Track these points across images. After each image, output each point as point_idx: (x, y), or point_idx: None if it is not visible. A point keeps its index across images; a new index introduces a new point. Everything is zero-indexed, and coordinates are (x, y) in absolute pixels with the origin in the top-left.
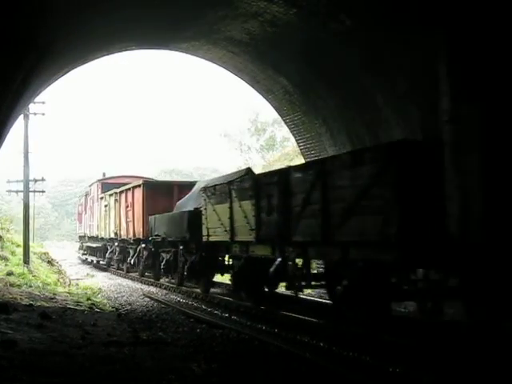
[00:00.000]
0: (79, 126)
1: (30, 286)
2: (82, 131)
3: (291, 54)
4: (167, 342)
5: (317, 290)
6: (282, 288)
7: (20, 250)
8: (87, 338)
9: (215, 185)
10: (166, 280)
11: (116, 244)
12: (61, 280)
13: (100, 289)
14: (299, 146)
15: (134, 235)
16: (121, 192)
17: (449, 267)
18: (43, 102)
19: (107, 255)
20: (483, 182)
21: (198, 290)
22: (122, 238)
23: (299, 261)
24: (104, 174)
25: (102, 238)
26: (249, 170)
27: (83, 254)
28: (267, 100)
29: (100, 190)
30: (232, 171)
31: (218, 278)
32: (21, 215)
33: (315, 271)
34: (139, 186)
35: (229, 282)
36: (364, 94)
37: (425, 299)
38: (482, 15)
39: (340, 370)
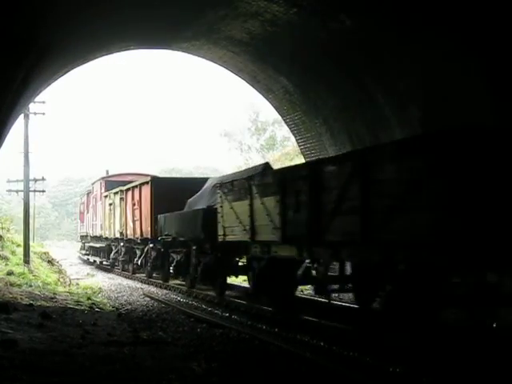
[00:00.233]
0: (79, 125)
1: (31, 286)
2: (83, 131)
3: (292, 54)
4: (167, 342)
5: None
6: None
7: (20, 250)
8: (87, 338)
9: (233, 180)
10: (176, 282)
11: (122, 244)
12: (61, 280)
13: (100, 288)
14: (299, 146)
15: (142, 235)
16: (127, 190)
17: None
18: (43, 102)
19: (112, 256)
20: None
21: (211, 293)
22: (129, 237)
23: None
24: (107, 172)
25: (106, 238)
26: (267, 166)
27: (85, 255)
28: (267, 99)
29: (104, 188)
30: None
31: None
32: (21, 215)
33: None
34: (147, 182)
35: (244, 285)
36: (364, 93)
37: (478, 305)
38: None
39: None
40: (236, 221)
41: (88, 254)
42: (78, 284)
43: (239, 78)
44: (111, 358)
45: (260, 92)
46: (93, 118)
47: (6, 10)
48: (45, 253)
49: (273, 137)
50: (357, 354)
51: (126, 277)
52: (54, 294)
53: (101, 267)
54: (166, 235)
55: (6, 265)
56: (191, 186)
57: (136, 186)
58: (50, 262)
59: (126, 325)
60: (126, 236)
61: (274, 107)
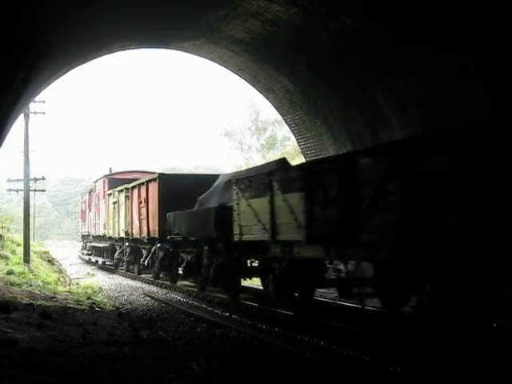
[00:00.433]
0: (80, 125)
1: (31, 285)
2: (83, 130)
3: (292, 54)
4: (168, 341)
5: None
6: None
7: (20, 249)
8: (87, 337)
9: (251, 176)
10: (184, 283)
11: (127, 244)
12: (61, 279)
13: (100, 288)
14: (300, 146)
15: (149, 234)
16: (133, 187)
17: None
18: (43, 101)
19: (116, 256)
20: None
21: (222, 296)
22: (134, 237)
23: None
24: (110, 170)
25: (109, 238)
26: (284, 161)
27: (87, 255)
28: (268, 99)
29: (107, 186)
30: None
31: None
32: (21, 214)
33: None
34: (154, 179)
35: (256, 286)
36: (364, 93)
37: None
38: None
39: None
40: (254, 219)
41: (90, 254)
42: (78, 283)
43: (239, 78)
44: (111, 357)
45: (260, 91)
46: (93, 118)
47: (5, 9)
48: (45, 252)
49: (273, 136)
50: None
51: (129, 277)
52: (54, 293)
53: (103, 267)
54: (175, 234)
55: (6, 264)
56: (201, 182)
57: (142, 184)
58: (50, 261)
59: (126, 324)
60: (132, 235)
61: (275, 107)
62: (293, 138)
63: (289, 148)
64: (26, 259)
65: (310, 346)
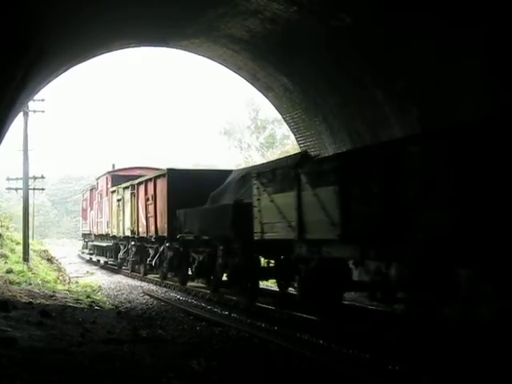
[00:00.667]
0: (79, 123)
1: (30, 284)
2: (82, 129)
3: (291, 52)
4: (167, 340)
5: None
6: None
7: (19, 248)
8: (87, 336)
9: (274, 169)
10: (193, 284)
11: (132, 243)
12: (60, 278)
13: (100, 287)
14: (299, 144)
15: (156, 232)
16: (139, 184)
17: None
18: (43, 100)
19: (120, 255)
20: None
21: (232, 297)
22: (141, 235)
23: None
24: (113, 166)
25: (113, 237)
26: (306, 154)
27: (88, 254)
28: (267, 98)
29: (110, 183)
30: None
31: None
32: (20, 213)
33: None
34: (163, 175)
35: (271, 288)
36: (364, 91)
37: None
38: None
39: None
40: (278, 216)
41: (92, 254)
42: (77, 282)
43: (239, 76)
44: (111, 355)
45: (260, 90)
46: (92, 116)
47: (4, 8)
48: (44, 251)
49: (272, 135)
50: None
51: (128, 276)
52: (54, 292)
53: (106, 267)
54: (186, 233)
55: (6, 263)
56: (212, 178)
57: (150, 179)
58: (50, 260)
59: (125, 323)
60: (138, 234)
61: (274, 105)
62: (292, 137)
63: (288, 147)
64: (26, 258)
65: (309, 345)
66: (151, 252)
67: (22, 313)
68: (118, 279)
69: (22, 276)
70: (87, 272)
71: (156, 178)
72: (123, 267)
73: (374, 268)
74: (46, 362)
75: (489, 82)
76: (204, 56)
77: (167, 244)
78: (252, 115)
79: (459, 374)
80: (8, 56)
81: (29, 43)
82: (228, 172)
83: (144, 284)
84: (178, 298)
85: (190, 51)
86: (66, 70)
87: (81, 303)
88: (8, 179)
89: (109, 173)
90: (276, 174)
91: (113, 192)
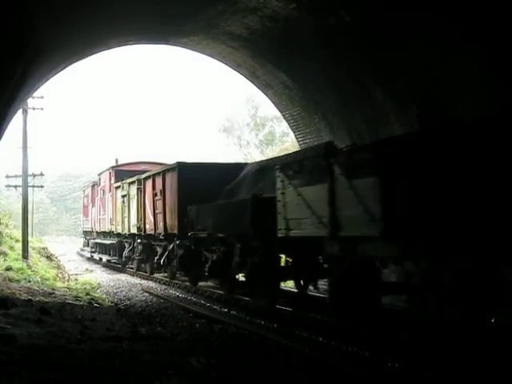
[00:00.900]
0: (78, 121)
1: (29, 281)
2: (81, 126)
3: (291, 50)
4: (166, 337)
5: None
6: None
7: (19, 245)
8: (86, 333)
9: (302, 160)
10: (204, 284)
11: (139, 241)
12: (60, 275)
13: (99, 284)
14: (298, 141)
15: (166, 230)
16: (146, 178)
17: None
18: (42, 97)
19: (125, 253)
20: None
21: (243, 298)
22: (148, 233)
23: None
24: (117, 161)
25: (117, 234)
26: (331, 144)
27: (90, 252)
28: (266, 95)
29: (114, 179)
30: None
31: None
32: (19, 210)
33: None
34: (173, 169)
35: (289, 288)
36: (363, 89)
37: None
38: None
39: None
40: (306, 211)
41: (94, 252)
42: (76, 279)
43: (238, 74)
44: (110, 353)
45: (259, 87)
46: (92, 114)
47: (3, 5)
48: (43, 248)
49: (272, 132)
50: None
51: (141, 277)
52: (53, 289)
53: (108, 266)
54: (199, 230)
55: (5, 260)
56: (225, 172)
57: (158, 174)
58: (49, 257)
59: (124, 320)
60: (145, 231)
61: (273, 103)
62: (291, 134)
63: (287, 144)
64: (25, 255)
65: (309, 342)
66: (159, 250)
67: (22, 310)
68: (118, 276)
69: (22, 273)
70: (86, 269)
71: (165, 172)
72: (127, 266)
73: (424, 269)
74: (46, 360)
75: (488, 80)
76: (203, 53)
77: (177, 242)
78: (251, 112)
79: None
80: (7, 53)
81: (27, 40)
82: (242, 165)
83: (143, 281)
84: (177, 296)
85: (189, 48)
86: (64, 68)
87: (80, 300)
88: (7, 177)
89: (112, 168)
90: (304, 165)
91: (117, 188)
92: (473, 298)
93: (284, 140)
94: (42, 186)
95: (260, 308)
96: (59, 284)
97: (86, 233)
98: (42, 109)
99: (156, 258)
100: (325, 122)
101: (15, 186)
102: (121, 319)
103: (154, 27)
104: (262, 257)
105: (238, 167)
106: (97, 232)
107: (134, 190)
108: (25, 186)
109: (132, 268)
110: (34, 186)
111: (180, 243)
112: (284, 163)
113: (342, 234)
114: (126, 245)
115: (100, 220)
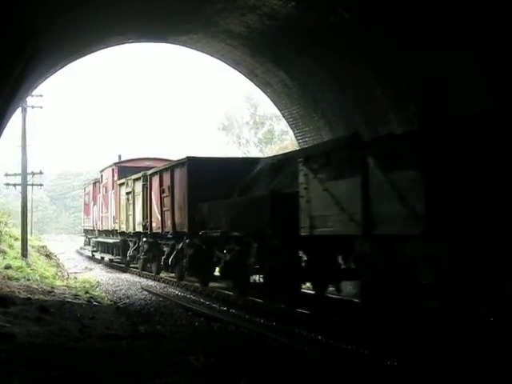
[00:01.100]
0: (77, 119)
1: (28, 280)
2: (80, 125)
3: (290, 48)
4: (165, 336)
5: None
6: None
7: (18, 244)
8: (85, 332)
9: (329, 152)
10: (214, 285)
11: (144, 239)
12: (59, 273)
13: (98, 282)
14: (297, 140)
15: (174, 228)
16: (152, 174)
17: None
18: (41, 95)
19: (129, 253)
20: None
21: (255, 299)
22: (154, 231)
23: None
24: (120, 157)
25: (121, 233)
26: (356, 135)
27: (92, 251)
28: (265, 93)
29: (117, 175)
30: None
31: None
32: (19, 208)
33: None
34: (182, 164)
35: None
36: (363, 87)
37: None
38: None
39: None
40: (334, 207)
41: (95, 251)
42: (75, 278)
43: (237, 72)
44: (109, 351)
45: (258, 86)
46: (91, 112)
47: (2, 3)
48: (43, 247)
49: (271, 131)
50: None
51: (147, 277)
52: (52, 287)
53: (110, 265)
54: (211, 229)
55: (4, 258)
56: (237, 167)
57: (166, 169)
58: (48, 255)
59: (123, 318)
60: (151, 230)
61: (273, 101)
62: (290, 133)
63: (286, 142)
64: (24, 253)
65: (308, 340)
66: (166, 249)
67: (21, 308)
68: (117, 275)
69: (21, 272)
70: (86, 268)
71: (173, 167)
72: (131, 265)
73: (476, 273)
74: (45, 358)
75: (486, 77)
76: (203, 52)
77: (187, 241)
78: (251, 111)
79: None
80: (6, 51)
81: (27, 38)
82: (254, 160)
83: (143, 280)
84: (177, 294)
85: (188, 47)
86: (64, 66)
87: (79, 299)
88: (6, 175)
89: (115, 164)
90: (331, 157)
91: (121, 184)
92: None
93: (283, 138)
94: (41, 185)
95: (282, 312)
96: (58, 282)
97: (86, 231)
98: (41, 107)
99: (163, 257)
100: (324, 120)
101: (14, 185)
102: (120, 318)
103: (153, 25)
104: (281, 257)
105: (250, 162)
106: (99, 230)
107: (139, 186)
108: (24, 185)
109: (136, 268)
110: (33, 185)
111: (190, 242)
112: (308, 156)
113: (376, 232)
114: (131, 244)
115: (102, 218)
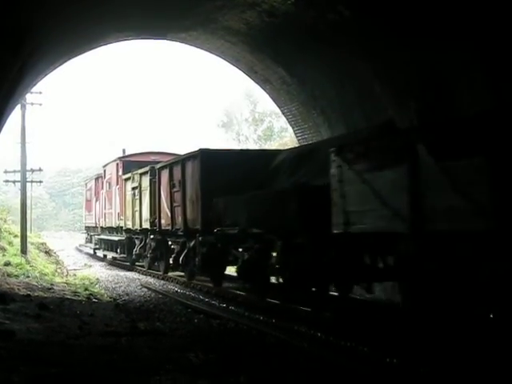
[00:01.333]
0: (77, 116)
1: (28, 277)
2: (79, 121)
3: (289, 45)
4: (165, 333)
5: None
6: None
7: (17, 241)
8: (85, 329)
9: (368, 140)
10: (228, 285)
11: (152, 237)
12: (58, 270)
13: (97, 279)
14: (297, 137)
15: (186, 225)
16: (161, 168)
17: None
18: (40, 92)
19: (135, 251)
20: None
21: (271, 300)
22: (163, 228)
23: None
24: (124, 151)
25: (127, 230)
26: (390, 123)
27: (94, 249)
28: (265, 90)
29: (121, 170)
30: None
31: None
32: (18, 206)
33: None
34: (194, 156)
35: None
36: (362, 84)
37: None
38: None
39: None
40: (374, 201)
41: (98, 248)
42: (75, 275)
43: (237, 69)
44: (109, 348)
45: (257, 83)
46: (90, 109)
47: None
48: (42, 243)
49: (270, 128)
50: None
51: (155, 277)
52: (52, 284)
53: (115, 264)
54: (227, 226)
55: (4, 255)
56: (254, 160)
57: (176, 163)
58: (48, 252)
59: (123, 315)
60: (160, 227)
61: (272, 98)
62: (290, 129)
63: (286, 139)
64: (23, 250)
65: (307, 338)
66: (176, 247)
67: (20, 305)
68: (116, 272)
69: (20, 269)
70: (85, 265)
71: (184, 160)
72: (137, 264)
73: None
74: (44, 355)
75: (487, 75)
76: (202, 48)
77: (200, 238)
78: (250, 108)
79: None
80: (5, 47)
81: (26, 35)
82: (274, 152)
83: (142, 277)
84: (176, 291)
85: (188, 44)
86: (63, 63)
87: (79, 296)
88: (6, 172)
89: (120, 159)
90: (371, 146)
91: (126, 179)
92: None
93: (282, 135)
94: (40, 182)
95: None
96: (58, 279)
97: (88, 228)
98: (40, 104)
99: (173, 255)
100: (323, 117)
101: (14, 182)
102: (119, 314)
103: (153, 22)
104: (310, 256)
105: (267, 155)
106: (102, 227)
107: (146, 181)
108: (23, 181)
109: (142, 266)
110: (32, 181)
111: (203, 240)
112: (342, 145)
113: (427, 229)
114: (137, 241)
115: (105, 215)
